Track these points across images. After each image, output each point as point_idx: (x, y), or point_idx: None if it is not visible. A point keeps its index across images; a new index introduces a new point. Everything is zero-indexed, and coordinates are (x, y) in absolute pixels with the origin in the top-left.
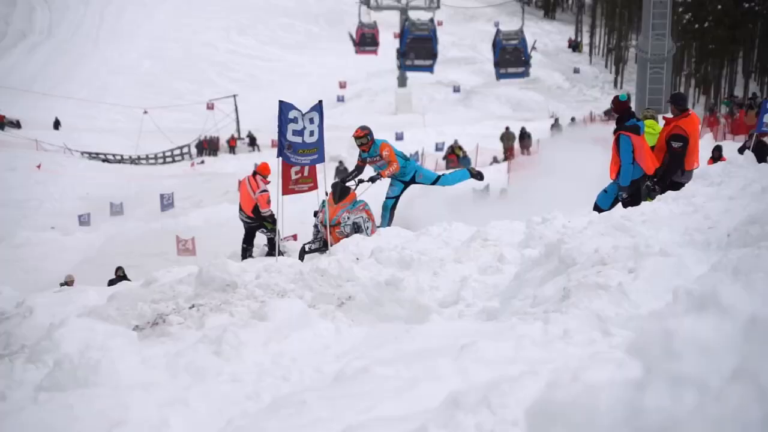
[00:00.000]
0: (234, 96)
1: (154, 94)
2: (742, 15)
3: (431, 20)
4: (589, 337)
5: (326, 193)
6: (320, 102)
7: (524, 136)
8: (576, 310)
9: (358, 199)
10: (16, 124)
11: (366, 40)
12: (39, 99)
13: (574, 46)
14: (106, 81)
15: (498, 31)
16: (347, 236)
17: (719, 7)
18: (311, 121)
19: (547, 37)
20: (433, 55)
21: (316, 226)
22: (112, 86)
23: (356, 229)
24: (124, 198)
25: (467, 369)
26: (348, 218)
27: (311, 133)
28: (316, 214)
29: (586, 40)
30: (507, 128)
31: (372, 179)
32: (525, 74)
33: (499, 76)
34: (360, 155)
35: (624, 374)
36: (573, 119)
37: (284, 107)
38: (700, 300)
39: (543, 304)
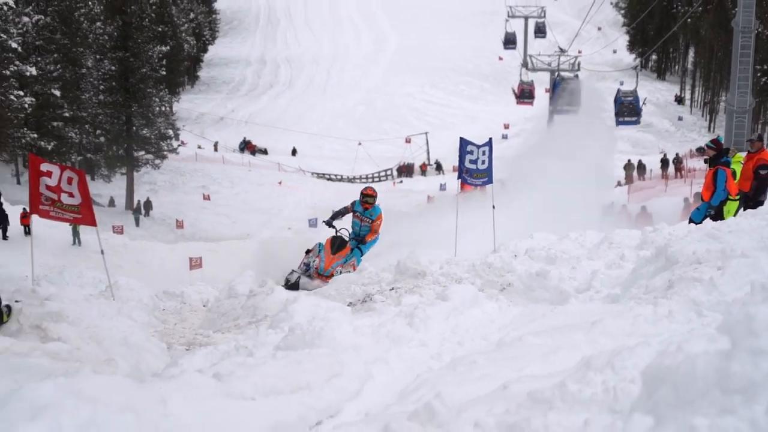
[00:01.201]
0: (426, 133)
1: (366, 131)
2: None
3: (576, 76)
4: (687, 317)
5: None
6: (490, 139)
7: (641, 166)
8: (678, 297)
9: (349, 250)
10: (264, 152)
11: (525, 94)
12: (282, 133)
13: (679, 100)
14: (331, 121)
15: (618, 90)
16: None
17: None
18: (483, 152)
19: (658, 93)
20: (578, 104)
21: (307, 264)
22: (335, 125)
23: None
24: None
25: (596, 340)
26: (340, 272)
27: (483, 162)
28: (308, 252)
29: (687, 95)
30: (628, 160)
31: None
32: (637, 122)
33: (618, 123)
34: (355, 206)
35: (716, 347)
36: (677, 155)
37: (463, 142)
38: None
39: (653, 292)
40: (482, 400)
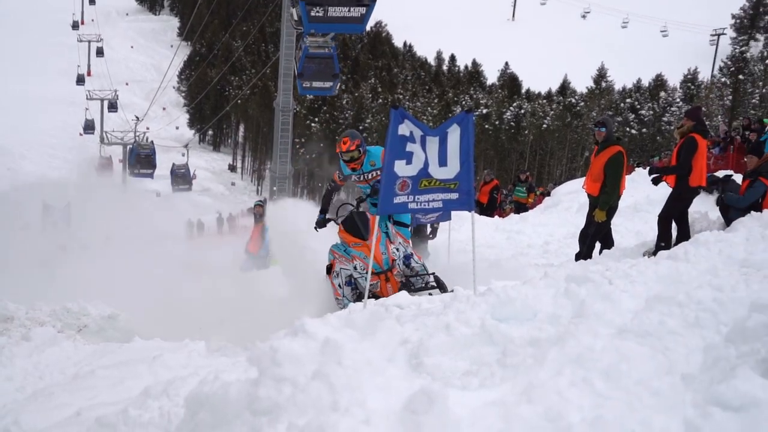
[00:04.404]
0: None
1: None
2: None
3: (152, 142)
4: (234, 351)
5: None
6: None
7: (200, 225)
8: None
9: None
10: None
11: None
12: None
13: (232, 168)
14: None
15: (173, 164)
16: (410, 275)
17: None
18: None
19: (214, 162)
20: (153, 166)
21: (350, 281)
22: None
23: (407, 260)
24: None
25: (157, 371)
26: (397, 250)
27: None
28: (329, 270)
29: (239, 164)
30: (189, 219)
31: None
32: (189, 189)
33: (174, 190)
34: (343, 173)
35: (247, 375)
36: (230, 214)
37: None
38: (294, 328)
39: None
40: (58, 426)
